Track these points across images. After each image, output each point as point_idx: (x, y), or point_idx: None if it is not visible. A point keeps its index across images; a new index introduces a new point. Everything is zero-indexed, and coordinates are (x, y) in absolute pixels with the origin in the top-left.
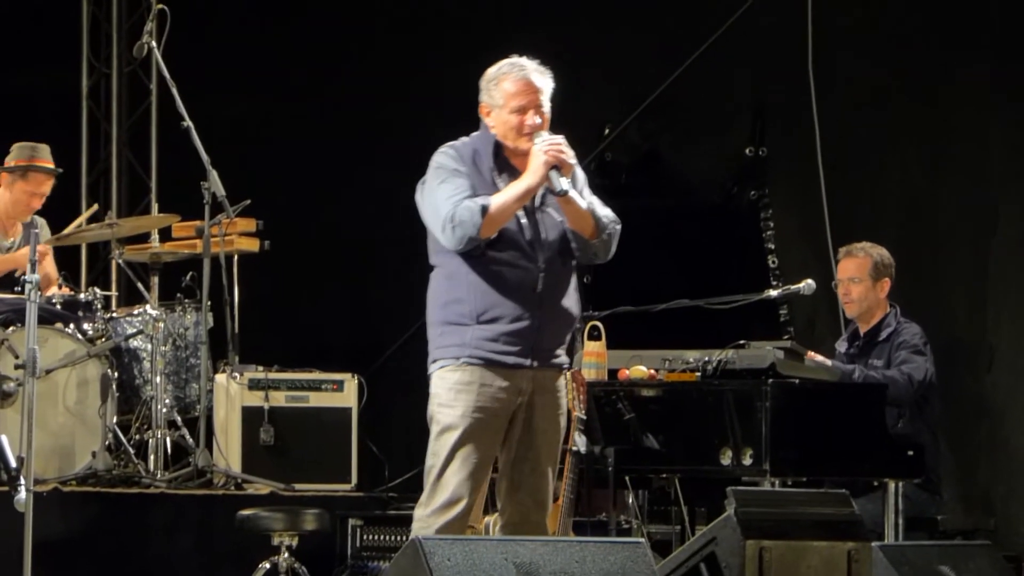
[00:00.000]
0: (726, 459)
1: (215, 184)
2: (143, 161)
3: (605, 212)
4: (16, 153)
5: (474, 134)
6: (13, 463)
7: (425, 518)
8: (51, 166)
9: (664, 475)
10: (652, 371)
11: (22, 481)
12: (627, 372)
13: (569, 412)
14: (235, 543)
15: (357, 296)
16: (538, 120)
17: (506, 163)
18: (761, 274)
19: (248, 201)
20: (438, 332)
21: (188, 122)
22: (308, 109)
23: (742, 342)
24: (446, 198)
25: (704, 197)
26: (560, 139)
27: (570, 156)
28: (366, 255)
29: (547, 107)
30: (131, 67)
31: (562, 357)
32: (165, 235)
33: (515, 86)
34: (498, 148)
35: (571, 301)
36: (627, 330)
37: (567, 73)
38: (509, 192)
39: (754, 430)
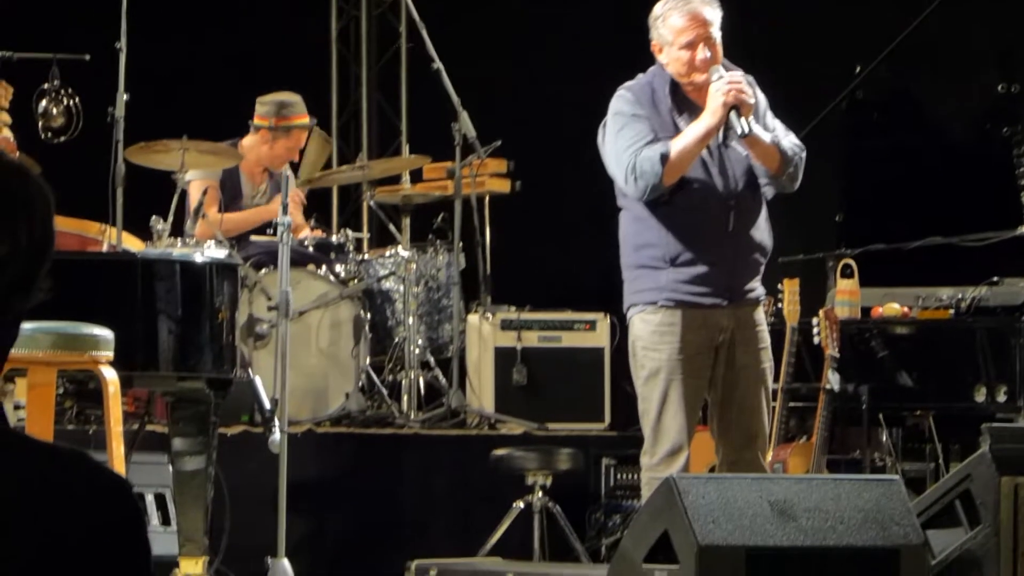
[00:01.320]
0: (980, 396)
1: (466, 125)
2: (393, 103)
3: (790, 142)
4: (273, 109)
5: (651, 70)
6: (267, 405)
7: (653, 467)
8: (305, 122)
9: (918, 412)
10: (905, 308)
11: (276, 423)
12: (880, 310)
13: (822, 351)
14: (489, 483)
15: (609, 234)
16: (708, 54)
17: (685, 100)
18: (1014, 211)
19: (499, 142)
20: (633, 276)
21: (438, 63)
22: (558, 47)
23: (995, 279)
24: (626, 147)
25: (956, 134)
26: (738, 76)
27: (749, 95)
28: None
29: (718, 37)
30: (380, 9)
31: (759, 290)
32: (416, 177)
33: (682, 20)
34: (675, 86)
35: (762, 234)
36: (880, 268)
37: (818, 12)
38: (688, 136)
39: (1008, 367)
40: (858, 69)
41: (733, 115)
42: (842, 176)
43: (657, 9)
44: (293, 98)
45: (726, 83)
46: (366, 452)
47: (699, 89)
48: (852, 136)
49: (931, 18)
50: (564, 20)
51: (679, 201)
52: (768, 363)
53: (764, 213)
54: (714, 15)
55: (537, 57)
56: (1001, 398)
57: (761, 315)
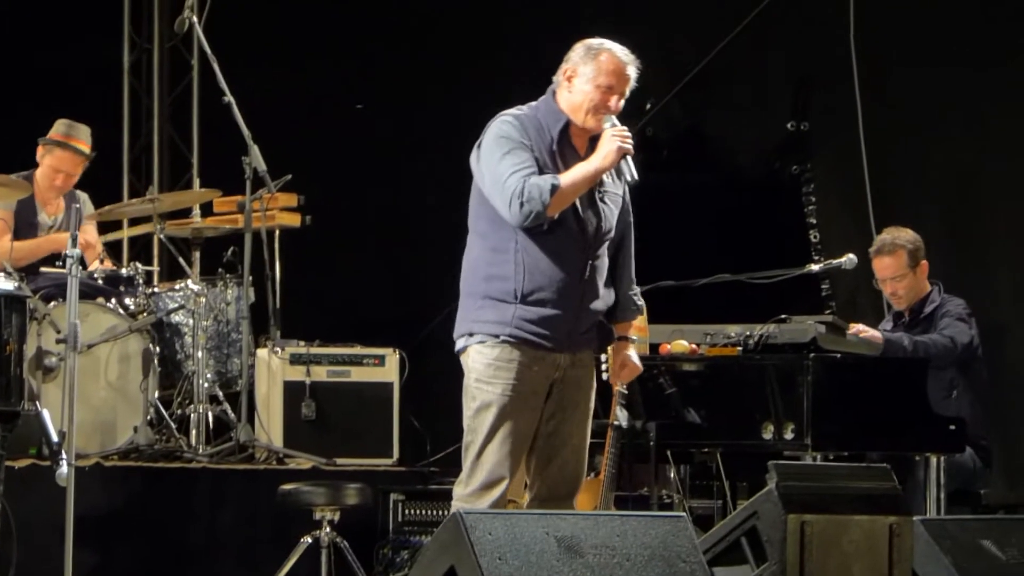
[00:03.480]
0: (768, 433)
1: (256, 159)
2: (185, 136)
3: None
4: (55, 127)
5: (535, 104)
6: (55, 438)
7: (466, 497)
8: (81, 147)
9: (706, 449)
10: (694, 345)
11: (64, 455)
12: (668, 347)
13: (610, 386)
14: (277, 518)
15: (399, 270)
16: (618, 107)
17: (568, 144)
18: (803, 249)
19: (289, 176)
20: (476, 305)
21: (229, 97)
22: (349, 82)
23: (784, 316)
24: (512, 171)
25: (746, 172)
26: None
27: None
28: (408, 229)
29: (622, 103)
30: (172, 42)
31: (594, 337)
32: (207, 210)
33: (613, 65)
34: (565, 128)
35: (607, 288)
36: (669, 304)
37: None
38: (579, 172)
39: (796, 404)
40: (648, 105)
41: (624, 162)
42: (632, 212)
43: (594, 42)
44: (81, 126)
45: (621, 131)
46: (154, 486)
47: (581, 135)
48: (641, 172)
49: (722, 55)
50: (359, 54)
51: (544, 240)
52: (593, 403)
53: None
54: (632, 79)
55: (328, 92)
56: (788, 435)
57: (592, 356)
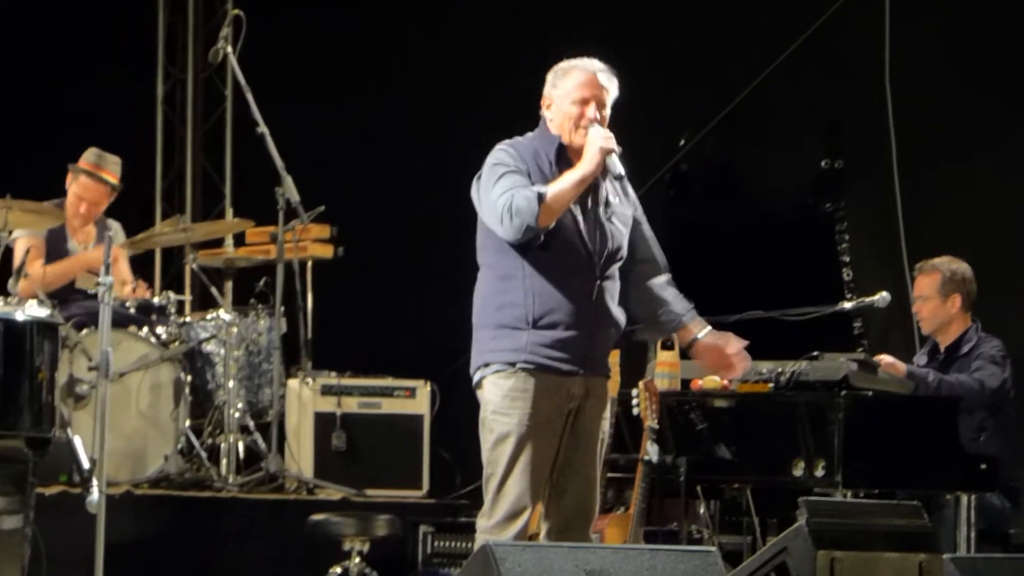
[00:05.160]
0: (798, 470)
1: (289, 190)
2: (218, 166)
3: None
4: (85, 155)
5: (531, 134)
6: (86, 465)
7: (489, 529)
8: (108, 177)
9: (736, 485)
10: (725, 382)
11: (95, 483)
12: (700, 382)
13: (641, 421)
14: (306, 548)
15: (431, 302)
16: (597, 115)
17: (567, 164)
18: (835, 286)
19: (322, 207)
20: (490, 335)
21: (263, 127)
22: (383, 114)
23: (815, 353)
24: (504, 191)
25: (779, 209)
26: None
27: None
28: (440, 261)
29: (607, 110)
30: (206, 73)
31: (608, 364)
32: (239, 240)
33: (582, 78)
34: (560, 149)
35: (619, 309)
36: None
37: (643, 84)
38: (565, 180)
39: (827, 442)
40: (682, 141)
41: (609, 159)
42: (664, 248)
43: (561, 65)
44: (111, 157)
45: (604, 132)
46: (184, 515)
47: (577, 155)
48: (675, 207)
49: (756, 92)
50: (391, 87)
51: (551, 263)
52: (606, 434)
53: (619, 291)
54: (611, 86)
55: (363, 124)
56: (819, 472)
57: (608, 387)
